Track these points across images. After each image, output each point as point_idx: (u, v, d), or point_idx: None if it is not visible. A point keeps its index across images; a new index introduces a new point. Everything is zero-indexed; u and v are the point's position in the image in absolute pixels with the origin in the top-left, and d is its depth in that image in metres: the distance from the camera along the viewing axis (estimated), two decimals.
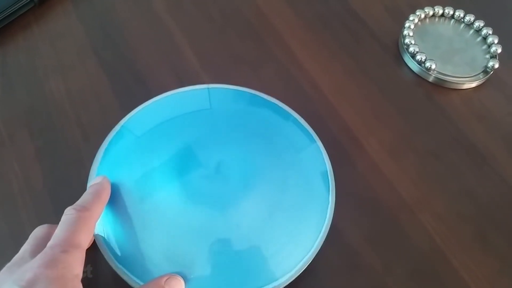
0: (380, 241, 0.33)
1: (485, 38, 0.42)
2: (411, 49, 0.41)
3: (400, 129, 0.38)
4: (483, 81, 0.41)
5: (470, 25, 0.43)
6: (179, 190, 0.31)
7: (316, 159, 0.34)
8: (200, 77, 0.40)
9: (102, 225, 0.31)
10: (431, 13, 0.44)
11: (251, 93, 0.37)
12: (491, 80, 0.41)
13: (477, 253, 0.33)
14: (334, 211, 0.32)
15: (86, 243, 0.26)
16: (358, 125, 0.38)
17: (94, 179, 0.30)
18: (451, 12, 0.44)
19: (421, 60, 0.40)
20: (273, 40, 0.42)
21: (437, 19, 0.44)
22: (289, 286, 0.30)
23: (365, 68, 0.41)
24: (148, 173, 0.32)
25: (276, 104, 0.36)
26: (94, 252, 0.30)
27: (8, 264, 0.26)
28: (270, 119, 0.35)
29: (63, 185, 0.34)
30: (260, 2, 0.45)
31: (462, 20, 0.44)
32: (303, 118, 0.36)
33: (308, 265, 0.30)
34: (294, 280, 0.30)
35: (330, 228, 0.31)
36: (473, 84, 0.40)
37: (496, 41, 0.42)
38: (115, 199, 0.31)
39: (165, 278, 0.28)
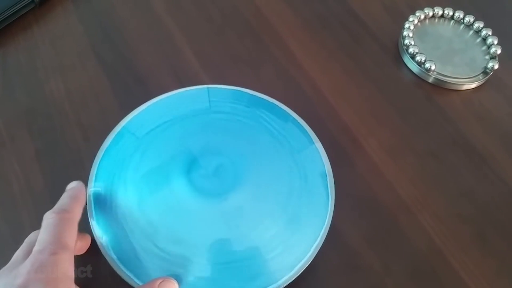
0: (379, 241, 0.33)
1: (484, 39, 0.43)
2: (411, 50, 0.41)
3: (400, 129, 0.38)
4: (483, 82, 0.41)
5: (469, 26, 0.43)
6: (178, 191, 0.31)
7: (316, 159, 0.34)
8: (200, 78, 0.40)
9: (102, 225, 0.31)
10: (430, 14, 0.44)
11: (250, 94, 0.37)
12: (491, 81, 0.41)
13: (476, 253, 0.33)
14: (334, 211, 0.32)
15: (72, 243, 0.26)
16: (358, 125, 0.38)
17: (69, 184, 0.31)
18: (451, 13, 0.44)
19: (420, 61, 0.40)
20: (272, 40, 0.42)
21: (436, 20, 0.44)
22: (289, 286, 0.30)
23: (364, 69, 0.41)
24: (147, 174, 0.32)
25: (276, 105, 0.37)
26: (94, 252, 0.30)
27: (2, 269, 0.26)
28: (270, 119, 0.35)
29: (63, 185, 0.34)
30: (259, 2, 0.45)
31: (462, 21, 0.44)
32: (303, 119, 0.36)
33: (308, 265, 0.30)
34: (293, 280, 0.30)
35: (329, 228, 0.32)
36: (473, 85, 0.40)
37: (495, 42, 0.42)
38: (115, 199, 0.32)
39: (159, 281, 0.28)
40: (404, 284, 0.31)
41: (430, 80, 0.41)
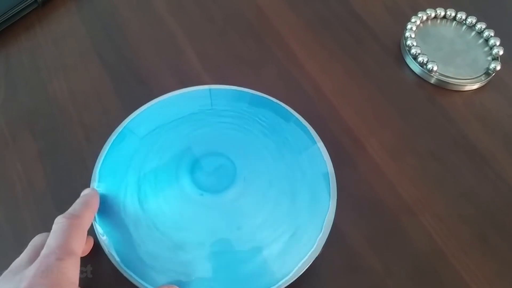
0: (380, 242, 0.33)
1: (486, 40, 0.43)
2: (413, 50, 0.41)
3: (402, 130, 0.38)
4: (485, 83, 0.41)
5: (471, 27, 0.43)
6: (180, 191, 0.31)
7: (317, 159, 0.34)
8: (202, 78, 0.40)
9: (104, 225, 0.31)
10: (433, 15, 0.44)
11: (252, 94, 0.37)
12: (493, 82, 0.41)
13: (478, 254, 0.33)
14: (335, 212, 0.32)
15: (80, 249, 0.26)
16: (360, 126, 0.38)
17: (84, 191, 0.31)
18: (453, 14, 0.44)
19: (422, 61, 0.40)
20: (274, 41, 0.42)
21: (438, 21, 0.44)
22: (290, 287, 0.30)
23: (366, 69, 0.41)
24: (149, 174, 0.32)
25: (277, 105, 0.37)
26: (94, 252, 0.31)
27: (5, 272, 0.26)
28: (272, 120, 0.35)
29: (66, 185, 0.34)
30: (261, 3, 0.45)
31: (464, 22, 0.44)
32: (305, 119, 0.36)
33: (309, 266, 0.30)
34: (295, 280, 0.30)
35: (331, 229, 0.32)
36: (475, 86, 0.40)
37: (497, 43, 0.42)
38: (117, 199, 0.32)
39: None
40: (405, 285, 0.32)
41: (432, 81, 0.41)
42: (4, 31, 0.42)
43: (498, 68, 0.40)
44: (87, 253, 0.30)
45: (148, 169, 0.33)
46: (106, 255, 0.30)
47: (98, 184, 0.32)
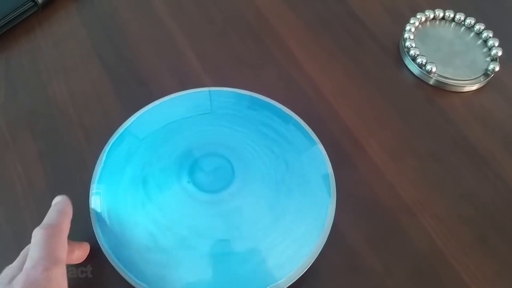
0: (380, 243, 0.33)
1: (485, 41, 0.43)
2: (412, 52, 0.41)
3: (401, 131, 0.38)
4: (484, 83, 0.41)
5: (470, 28, 0.44)
6: (180, 192, 0.32)
7: (317, 161, 0.34)
8: (202, 80, 0.40)
9: (104, 226, 0.31)
10: (431, 16, 0.44)
11: (251, 96, 0.37)
12: (492, 82, 0.41)
13: (477, 255, 0.33)
14: (335, 213, 0.32)
15: (64, 257, 0.26)
16: (359, 127, 0.38)
17: (54, 199, 0.30)
18: (452, 15, 0.44)
19: (421, 63, 0.40)
20: (273, 42, 0.43)
21: (437, 22, 0.44)
22: (290, 287, 0.30)
23: (365, 71, 0.41)
24: (149, 175, 0.32)
25: (277, 107, 0.37)
26: (94, 252, 0.31)
27: None
28: (271, 121, 0.35)
29: (66, 186, 0.34)
30: (260, 4, 0.45)
31: (463, 23, 0.44)
32: (304, 121, 0.36)
33: (309, 267, 0.30)
34: (295, 281, 0.30)
35: (331, 229, 0.32)
36: (474, 87, 0.40)
37: (496, 44, 0.42)
38: (117, 200, 0.32)
39: None
40: (405, 285, 0.31)
41: (431, 82, 0.41)
42: (5, 34, 0.42)
43: (497, 69, 0.40)
44: (84, 259, 0.30)
45: (148, 170, 0.33)
46: (105, 255, 0.30)
47: (98, 186, 0.32)
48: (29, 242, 0.28)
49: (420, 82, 0.41)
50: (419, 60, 0.40)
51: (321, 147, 0.35)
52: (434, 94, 0.40)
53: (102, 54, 0.41)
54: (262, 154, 0.34)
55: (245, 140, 0.34)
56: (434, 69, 0.40)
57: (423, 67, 0.40)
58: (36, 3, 0.42)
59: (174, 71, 0.40)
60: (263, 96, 0.37)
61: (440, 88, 0.41)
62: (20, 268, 0.26)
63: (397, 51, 0.43)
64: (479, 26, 0.43)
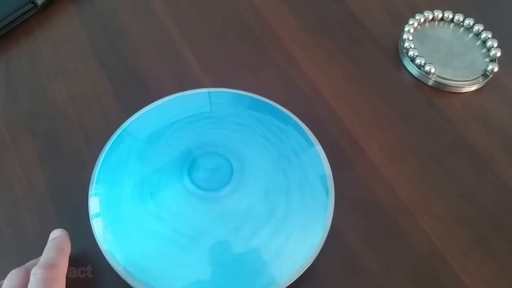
0: (379, 244, 0.33)
1: (484, 42, 0.43)
2: (411, 53, 0.41)
3: (400, 132, 0.38)
4: (483, 84, 0.41)
5: (469, 28, 0.44)
6: (179, 193, 0.32)
7: (316, 162, 0.34)
8: (201, 81, 0.40)
9: (103, 227, 0.31)
10: (430, 17, 0.44)
11: (251, 97, 0.37)
12: (491, 83, 0.41)
13: (477, 256, 0.33)
14: (334, 214, 0.32)
15: None
16: (358, 128, 0.38)
17: (52, 232, 0.30)
18: (451, 16, 0.44)
19: (420, 64, 0.40)
20: (272, 43, 0.43)
21: (436, 23, 0.44)
22: None
23: (364, 71, 0.41)
24: (148, 176, 0.32)
25: (276, 108, 0.37)
26: (94, 252, 0.31)
27: None
28: (270, 123, 0.35)
29: (65, 188, 0.34)
30: (260, 5, 0.45)
31: (462, 24, 0.44)
32: (303, 122, 0.36)
33: (308, 268, 0.30)
34: (293, 282, 0.30)
35: (330, 231, 0.32)
36: (473, 88, 0.40)
37: (495, 45, 0.42)
38: (117, 201, 0.32)
39: None
40: (404, 286, 0.31)
41: (430, 83, 0.41)
42: (4, 36, 0.42)
43: (496, 69, 0.40)
44: None
45: (147, 171, 0.33)
46: (105, 255, 0.30)
47: (97, 186, 0.32)
48: (28, 244, 0.29)
49: (419, 83, 0.41)
50: (418, 61, 0.40)
51: (319, 148, 0.35)
52: (433, 95, 0.40)
53: (101, 55, 0.41)
54: (261, 155, 0.34)
55: (244, 141, 0.34)
56: (433, 70, 0.40)
57: (422, 68, 0.40)
58: (36, 5, 0.43)
59: (174, 72, 0.41)
60: (262, 97, 0.37)
61: (439, 89, 0.41)
62: None
63: (396, 52, 0.43)
64: (478, 27, 0.43)
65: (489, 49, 0.42)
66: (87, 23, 0.44)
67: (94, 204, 0.32)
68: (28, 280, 0.26)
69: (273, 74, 0.41)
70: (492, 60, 0.41)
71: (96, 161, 0.34)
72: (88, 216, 0.31)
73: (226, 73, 0.41)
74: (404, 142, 0.38)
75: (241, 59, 0.42)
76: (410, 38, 0.42)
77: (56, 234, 0.30)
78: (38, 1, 0.42)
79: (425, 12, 0.44)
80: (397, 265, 0.32)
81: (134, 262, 0.30)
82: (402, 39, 0.42)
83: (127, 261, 0.30)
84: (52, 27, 0.43)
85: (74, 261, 0.30)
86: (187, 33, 0.43)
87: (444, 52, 0.42)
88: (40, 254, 0.28)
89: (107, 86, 0.40)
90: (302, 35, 0.43)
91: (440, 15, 0.44)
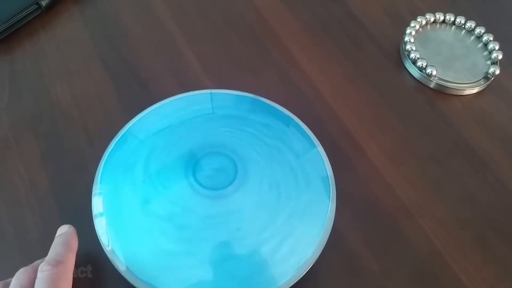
0: (380, 245, 0.33)
1: (486, 45, 0.43)
2: (412, 55, 0.41)
3: (401, 134, 0.38)
4: (484, 87, 0.41)
5: (471, 31, 0.44)
6: (181, 193, 0.32)
7: (317, 163, 0.34)
8: (203, 82, 0.40)
9: (106, 228, 0.31)
10: (432, 19, 0.44)
11: (252, 98, 0.37)
12: (492, 86, 0.41)
13: (477, 257, 0.33)
14: (335, 215, 0.32)
15: None
16: (358, 129, 0.38)
17: (60, 228, 0.30)
18: (452, 19, 0.44)
19: (422, 66, 0.40)
20: (273, 44, 0.43)
21: (438, 25, 0.44)
22: None
23: (365, 73, 0.41)
24: (151, 177, 0.33)
25: (277, 109, 0.37)
26: (94, 252, 0.31)
27: None
28: (271, 123, 0.36)
29: (68, 188, 0.35)
30: (260, 6, 0.45)
31: (463, 26, 0.44)
32: (304, 123, 0.36)
33: (309, 269, 0.30)
34: (294, 284, 0.30)
35: (330, 231, 0.32)
36: (474, 90, 0.41)
37: (497, 48, 0.42)
38: (119, 202, 0.32)
39: None
40: (404, 287, 0.32)
41: (432, 85, 0.41)
42: (8, 37, 0.42)
43: (497, 72, 0.40)
44: None
45: (150, 172, 0.33)
46: (106, 255, 0.30)
47: (100, 187, 0.33)
48: (31, 243, 0.29)
49: (420, 85, 0.41)
50: (419, 63, 0.41)
51: (321, 149, 0.35)
52: (435, 97, 0.40)
53: (104, 57, 0.42)
54: (262, 156, 0.34)
55: (246, 142, 0.34)
56: (434, 72, 0.40)
57: (424, 70, 0.41)
58: (40, 6, 0.43)
59: (176, 73, 0.41)
60: (264, 98, 0.37)
61: (441, 91, 0.41)
62: None
63: (397, 54, 0.43)
64: (480, 30, 0.43)
65: (490, 52, 0.42)
66: (90, 24, 0.44)
67: (97, 204, 0.32)
68: (36, 278, 0.26)
69: (273, 74, 0.41)
70: (494, 63, 0.41)
71: (98, 162, 0.34)
72: (90, 216, 0.32)
73: (227, 73, 0.41)
74: (405, 143, 0.38)
75: (241, 60, 0.42)
76: (412, 40, 0.42)
77: (64, 230, 0.30)
78: (42, 2, 0.43)
79: (426, 14, 0.44)
80: (397, 265, 0.32)
81: (136, 262, 0.30)
82: (404, 41, 0.42)
83: (130, 261, 0.30)
84: (55, 28, 0.44)
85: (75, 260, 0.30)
86: (188, 34, 0.43)
87: (446, 54, 0.42)
88: (43, 254, 0.28)
89: (109, 87, 0.40)
90: (302, 35, 0.44)
91: (442, 18, 0.44)
